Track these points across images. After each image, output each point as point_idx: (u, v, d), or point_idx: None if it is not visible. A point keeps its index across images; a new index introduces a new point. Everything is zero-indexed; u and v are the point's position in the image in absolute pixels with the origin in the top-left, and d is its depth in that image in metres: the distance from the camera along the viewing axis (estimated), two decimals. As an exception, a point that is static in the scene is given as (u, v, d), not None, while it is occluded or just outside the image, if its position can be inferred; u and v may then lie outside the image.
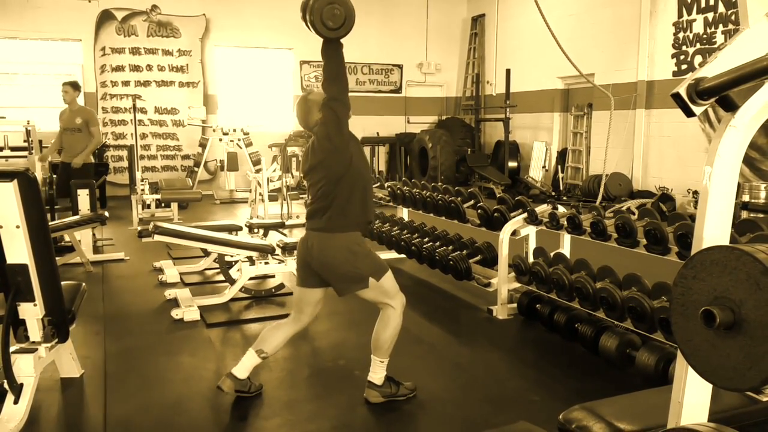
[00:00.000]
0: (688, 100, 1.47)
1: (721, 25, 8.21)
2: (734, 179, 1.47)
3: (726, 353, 1.26)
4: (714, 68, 1.47)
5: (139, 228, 5.20)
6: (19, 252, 2.81)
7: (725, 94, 1.44)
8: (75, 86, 7.18)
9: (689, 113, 1.50)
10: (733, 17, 8.02)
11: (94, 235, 6.53)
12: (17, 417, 2.74)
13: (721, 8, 8.20)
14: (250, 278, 4.94)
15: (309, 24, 2.79)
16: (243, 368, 3.11)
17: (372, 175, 3.87)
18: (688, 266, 1.35)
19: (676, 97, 1.48)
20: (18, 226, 2.78)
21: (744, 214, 6.58)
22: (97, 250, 6.48)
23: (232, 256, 5.23)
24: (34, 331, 2.97)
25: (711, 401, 1.54)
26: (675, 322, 1.38)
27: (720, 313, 1.25)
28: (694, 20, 8.57)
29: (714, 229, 1.46)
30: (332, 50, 2.82)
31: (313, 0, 2.77)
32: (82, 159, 6.99)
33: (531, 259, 4.34)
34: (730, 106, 1.45)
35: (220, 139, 10.93)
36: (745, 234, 3.00)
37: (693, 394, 1.51)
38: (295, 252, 4.88)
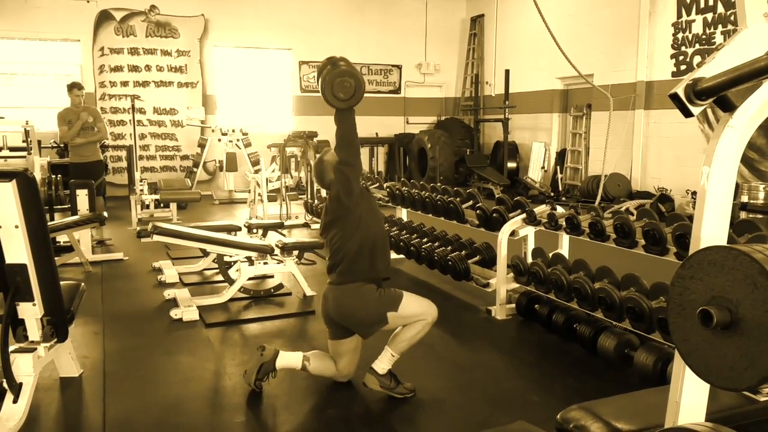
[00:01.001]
0: (686, 101, 1.47)
1: (720, 26, 8.22)
2: (732, 179, 1.47)
3: (723, 353, 1.27)
4: (712, 68, 1.47)
5: (138, 228, 5.20)
6: (18, 252, 2.81)
7: (723, 95, 1.44)
8: (81, 87, 7.31)
9: (687, 114, 1.50)
10: (732, 17, 8.02)
11: (92, 235, 6.52)
12: (16, 416, 2.74)
13: (721, 9, 8.20)
14: (249, 278, 4.94)
15: (321, 92, 2.94)
16: (285, 360, 3.17)
17: (387, 232, 3.96)
18: (685, 266, 1.35)
19: (674, 97, 1.48)
20: (17, 226, 2.78)
21: (743, 215, 6.59)
22: (96, 249, 6.48)
23: (231, 256, 5.23)
24: (33, 331, 2.97)
25: (708, 401, 1.55)
26: (672, 322, 1.38)
27: (717, 313, 1.25)
28: (694, 21, 8.58)
29: (712, 230, 1.46)
30: (344, 116, 2.98)
31: (326, 71, 2.95)
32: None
33: (530, 260, 4.34)
34: (728, 107, 1.45)
35: (219, 140, 10.94)
36: (743, 235, 3.01)
37: (690, 394, 1.51)
38: (294, 252, 4.95)
